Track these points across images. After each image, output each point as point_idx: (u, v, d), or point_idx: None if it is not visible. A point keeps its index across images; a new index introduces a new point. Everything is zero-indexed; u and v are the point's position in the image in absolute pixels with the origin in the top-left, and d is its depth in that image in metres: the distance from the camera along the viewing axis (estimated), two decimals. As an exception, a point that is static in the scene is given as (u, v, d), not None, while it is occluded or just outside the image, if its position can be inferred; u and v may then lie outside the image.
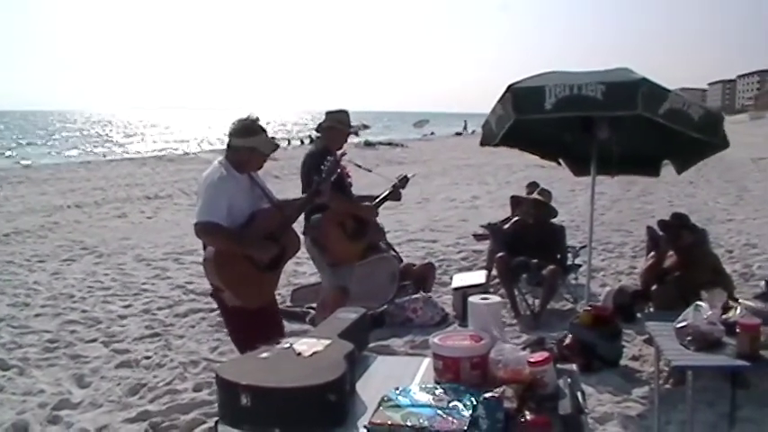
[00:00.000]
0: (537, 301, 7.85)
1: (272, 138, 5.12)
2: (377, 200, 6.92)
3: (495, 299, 3.59)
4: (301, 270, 10.36)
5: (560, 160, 8.75)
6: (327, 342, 3.31)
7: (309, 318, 7.58)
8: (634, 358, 6.54)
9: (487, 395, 2.85)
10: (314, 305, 7.90)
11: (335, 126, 6.47)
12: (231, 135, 4.84)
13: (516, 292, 7.97)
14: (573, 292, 8.46)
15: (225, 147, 4.95)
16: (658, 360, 5.35)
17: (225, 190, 4.68)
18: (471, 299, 3.60)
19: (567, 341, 6.21)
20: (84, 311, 8.49)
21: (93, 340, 7.40)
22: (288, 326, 7.55)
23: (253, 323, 4.81)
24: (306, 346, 3.27)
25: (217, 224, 4.57)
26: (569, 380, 3.09)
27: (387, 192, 7.01)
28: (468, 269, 9.99)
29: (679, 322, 4.61)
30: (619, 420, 5.29)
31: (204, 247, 4.76)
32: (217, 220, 4.57)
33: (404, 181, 7.07)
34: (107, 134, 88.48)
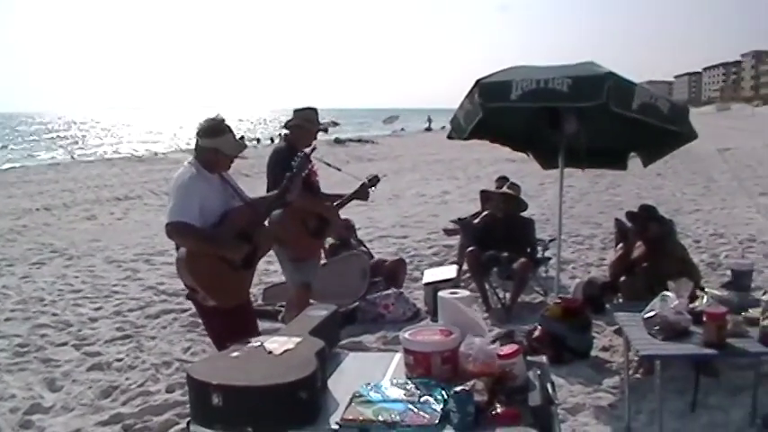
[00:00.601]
0: (508, 295, 7.89)
1: (241, 137, 5.09)
2: (342, 199, 6.87)
3: (464, 293, 3.63)
4: (273, 269, 10.30)
5: (529, 153, 8.81)
6: (298, 340, 3.33)
7: (281, 316, 7.56)
8: (604, 349, 6.60)
9: (458, 389, 2.88)
10: (285, 303, 7.91)
11: (303, 125, 6.43)
12: (198, 135, 4.81)
13: (487, 286, 8.01)
14: (543, 284, 8.52)
15: (193, 147, 4.91)
16: (628, 350, 5.40)
17: (196, 190, 4.64)
18: (441, 294, 3.63)
19: (537, 333, 6.25)
20: (54, 315, 8.42)
21: (64, 344, 7.33)
22: (260, 324, 7.55)
23: (229, 322, 4.78)
24: (277, 344, 3.29)
25: (189, 224, 4.53)
26: (539, 372, 3.13)
27: (353, 191, 6.92)
28: (440, 264, 10.04)
29: (647, 312, 4.66)
30: (590, 411, 5.34)
31: (177, 248, 4.70)
32: (188, 221, 4.52)
33: (374, 180, 6.97)
34: (75, 135, 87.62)
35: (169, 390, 5.90)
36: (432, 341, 3.31)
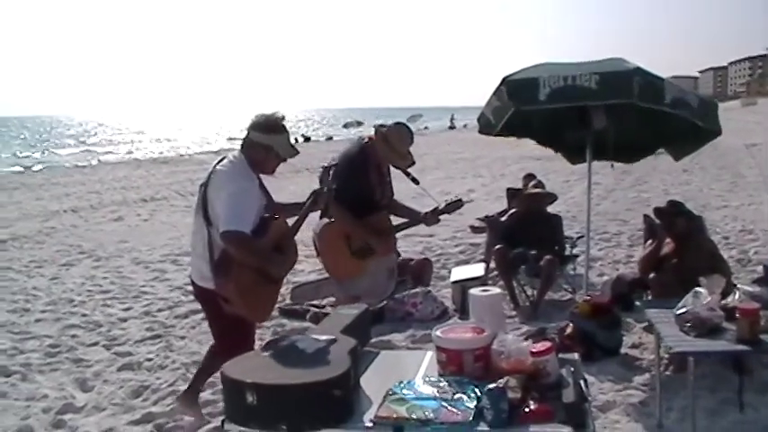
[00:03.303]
0: (536, 292, 7.87)
1: (295, 141, 4.88)
2: (406, 223, 6.60)
3: (495, 291, 3.63)
4: (299, 268, 10.38)
5: (556, 149, 8.80)
6: (331, 338, 3.34)
7: (310, 315, 7.59)
8: (634, 346, 6.56)
9: (491, 386, 2.89)
10: (314, 302, 7.93)
11: (391, 142, 6.26)
12: (251, 128, 4.57)
13: (515, 284, 7.99)
14: (571, 282, 8.48)
15: (241, 140, 4.68)
16: (659, 347, 5.37)
17: (255, 196, 4.49)
18: (471, 291, 3.64)
19: (569, 330, 6.23)
20: (84, 315, 8.49)
21: (95, 344, 7.39)
22: (288, 324, 7.62)
23: (246, 332, 4.77)
24: (309, 342, 3.30)
25: (248, 236, 4.32)
26: (572, 369, 3.12)
27: (422, 215, 6.63)
28: (466, 262, 10.01)
29: (678, 309, 4.63)
30: (621, 408, 5.31)
31: (211, 255, 4.48)
32: (248, 231, 4.32)
33: (453, 206, 6.62)
34: (108, 139, 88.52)
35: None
36: (464, 339, 3.31)
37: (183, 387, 5.88)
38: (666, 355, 5.79)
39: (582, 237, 8.57)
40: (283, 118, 4.63)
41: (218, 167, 4.59)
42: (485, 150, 30.81)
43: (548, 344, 3.18)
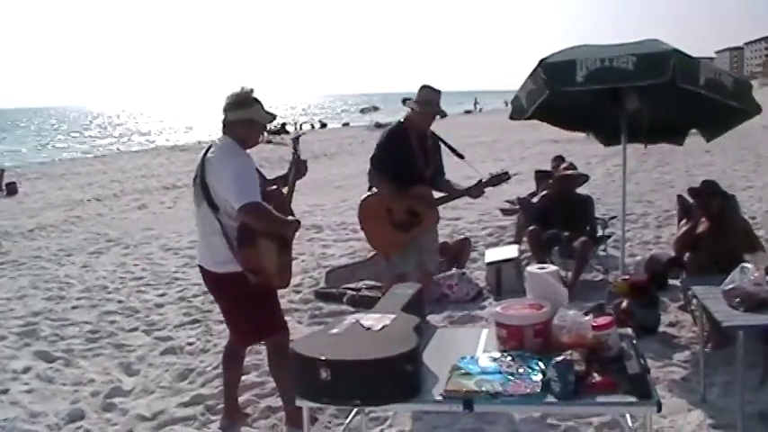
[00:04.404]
0: (569, 274, 7.89)
1: (282, 125, 4.90)
2: (448, 195, 6.44)
3: (552, 268, 3.70)
4: (330, 252, 10.48)
5: (588, 132, 8.83)
6: (393, 316, 3.41)
7: (347, 298, 7.66)
8: (671, 325, 6.61)
9: (558, 359, 2.95)
10: (350, 285, 7.99)
11: (419, 107, 6.16)
12: (229, 110, 4.65)
13: (548, 265, 8.04)
14: (603, 262, 8.52)
15: (222, 125, 4.74)
16: (702, 323, 5.41)
17: (254, 171, 4.56)
18: (529, 269, 3.71)
19: (624, 306, 6.26)
20: (120, 302, 8.60)
21: (135, 329, 7.50)
22: (326, 306, 7.70)
23: (273, 303, 4.87)
24: (373, 320, 3.37)
25: (265, 205, 4.42)
26: (633, 341, 3.18)
27: (466, 188, 6.41)
28: (495, 245, 10.06)
29: (726, 285, 4.67)
30: (664, 384, 5.36)
31: (223, 233, 4.53)
32: (260, 200, 4.41)
33: (497, 179, 6.37)
34: (127, 127, 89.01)
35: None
36: (524, 314, 3.38)
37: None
38: (704, 332, 5.83)
39: (614, 218, 8.62)
40: (252, 90, 4.71)
41: (208, 156, 4.65)
42: (502, 134, 30.85)
43: (609, 318, 3.25)
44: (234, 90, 4.71)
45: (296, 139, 5.34)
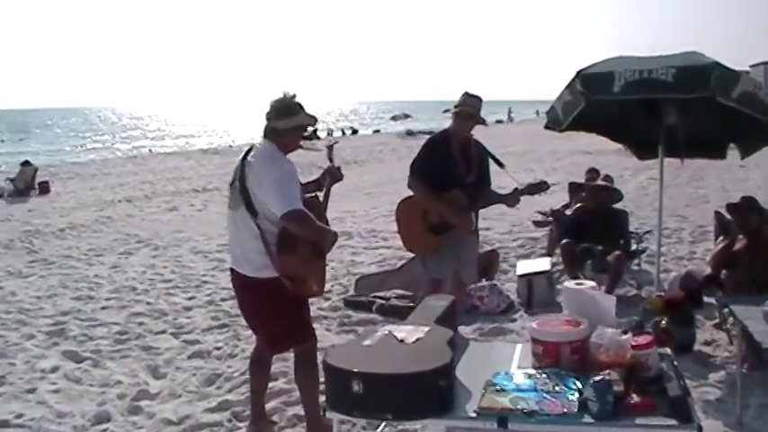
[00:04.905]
0: (602, 289, 7.79)
1: (314, 131, 4.89)
2: (481, 201, 6.34)
3: (590, 283, 3.62)
4: (359, 260, 10.43)
5: (623, 144, 8.73)
6: (427, 329, 3.35)
7: (376, 307, 7.60)
8: (706, 343, 6.48)
9: (597, 378, 2.87)
10: (379, 294, 7.93)
11: (462, 114, 6.12)
12: (276, 118, 4.60)
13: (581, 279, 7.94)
14: (636, 277, 8.40)
15: (264, 131, 4.69)
16: (741, 343, 5.29)
17: (296, 177, 4.51)
18: (567, 284, 3.64)
19: (663, 324, 6.14)
20: (148, 304, 8.60)
21: (162, 332, 7.48)
22: (354, 315, 7.65)
23: (305, 311, 4.84)
24: (406, 332, 3.31)
25: (308, 213, 4.36)
26: (674, 362, 3.10)
27: (501, 196, 6.33)
28: (527, 256, 9.96)
29: (767, 305, 4.58)
30: (699, 405, 5.21)
31: (263, 240, 4.46)
32: (303, 208, 4.35)
33: (536, 188, 6.27)
34: (159, 129, 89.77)
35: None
36: (561, 331, 3.30)
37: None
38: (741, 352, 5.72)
39: (648, 232, 8.50)
40: (295, 96, 4.66)
41: (249, 159, 4.59)
42: (534, 144, 30.67)
43: (649, 337, 3.17)
44: (277, 96, 4.66)
45: (330, 147, 5.36)
